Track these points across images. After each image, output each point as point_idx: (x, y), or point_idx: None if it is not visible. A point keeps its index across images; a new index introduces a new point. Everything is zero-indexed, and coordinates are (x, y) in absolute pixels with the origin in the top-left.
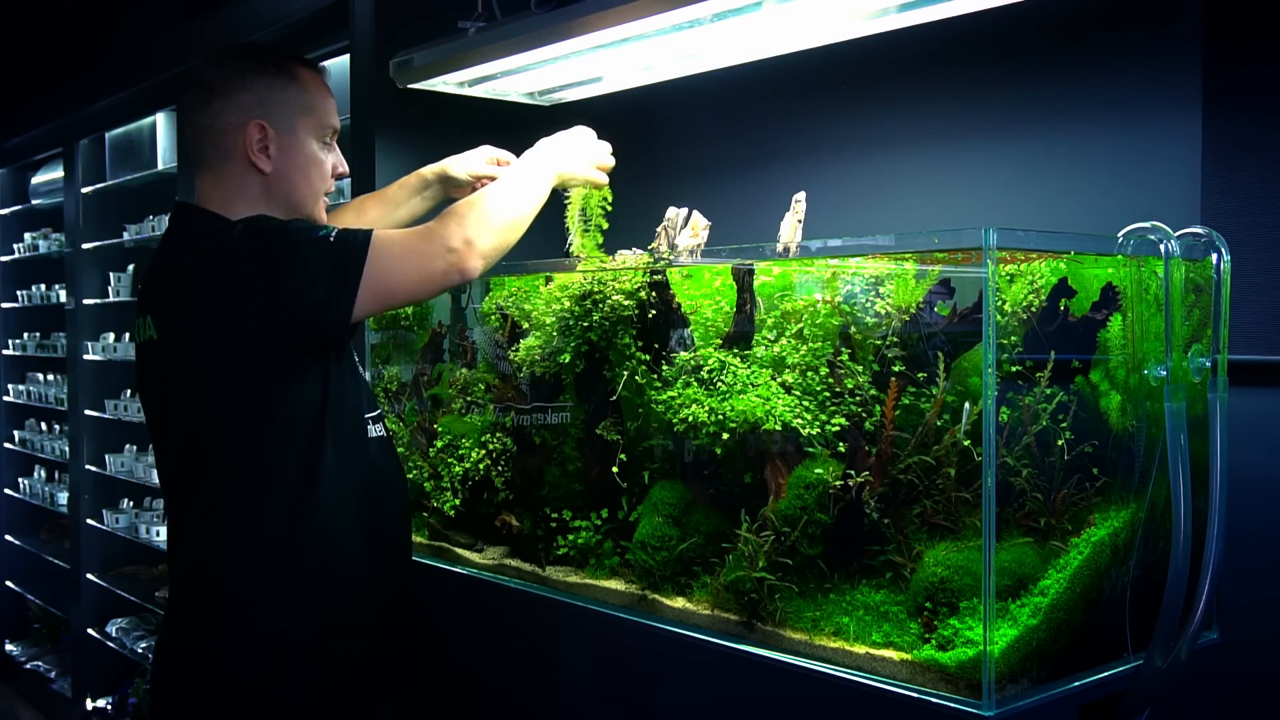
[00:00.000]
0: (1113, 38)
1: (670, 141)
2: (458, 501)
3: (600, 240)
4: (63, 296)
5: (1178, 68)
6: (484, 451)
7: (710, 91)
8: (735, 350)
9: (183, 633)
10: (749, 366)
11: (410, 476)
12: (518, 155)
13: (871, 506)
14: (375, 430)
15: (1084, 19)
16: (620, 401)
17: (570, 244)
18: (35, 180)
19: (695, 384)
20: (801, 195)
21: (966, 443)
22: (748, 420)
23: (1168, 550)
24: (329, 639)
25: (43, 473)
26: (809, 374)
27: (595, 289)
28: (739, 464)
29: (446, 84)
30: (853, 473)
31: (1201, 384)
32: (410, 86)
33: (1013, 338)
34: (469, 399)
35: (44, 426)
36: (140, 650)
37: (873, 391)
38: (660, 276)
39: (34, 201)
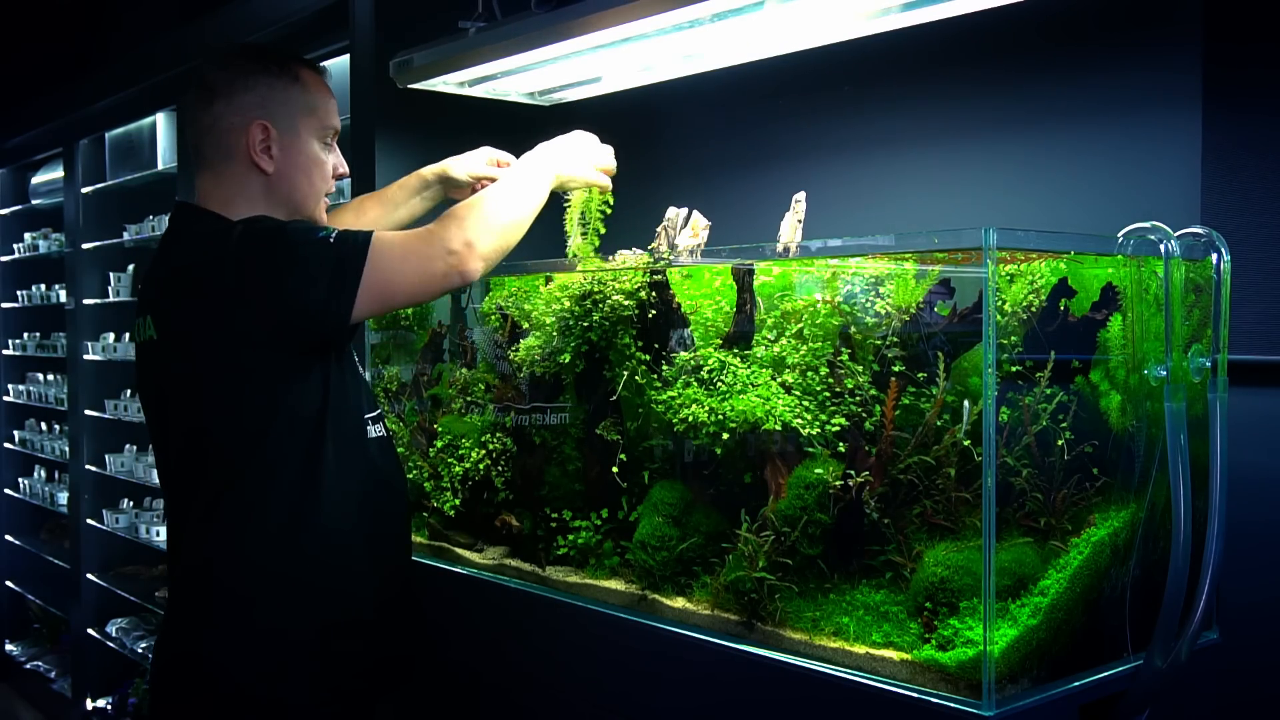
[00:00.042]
0: (1113, 38)
1: (670, 141)
2: (458, 501)
3: (597, 244)
4: (63, 296)
5: (1178, 68)
6: (484, 451)
7: (710, 91)
8: (735, 350)
9: (183, 632)
10: (749, 366)
11: (410, 476)
12: (518, 156)
13: (871, 506)
14: (375, 431)
15: (1084, 19)
16: (620, 401)
17: (569, 248)
18: (35, 180)
19: (695, 384)
20: (801, 195)
21: (966, 443)
22: (748, 420)
23: (1168, 550)
24: (329, 639)
25: (43, 473)
26: (809, 374)
27: (595, 289)
28: (739, 464)
29: (447, 84)
30: (853, 473)
31: (1201, 384)
32: (410, 87)
33: (1013, 338)
34: (469, 399)
35: (44, 426)
36: (140, 650)
37: (873, 391)
38: (660, 276)
39: (34, 201)
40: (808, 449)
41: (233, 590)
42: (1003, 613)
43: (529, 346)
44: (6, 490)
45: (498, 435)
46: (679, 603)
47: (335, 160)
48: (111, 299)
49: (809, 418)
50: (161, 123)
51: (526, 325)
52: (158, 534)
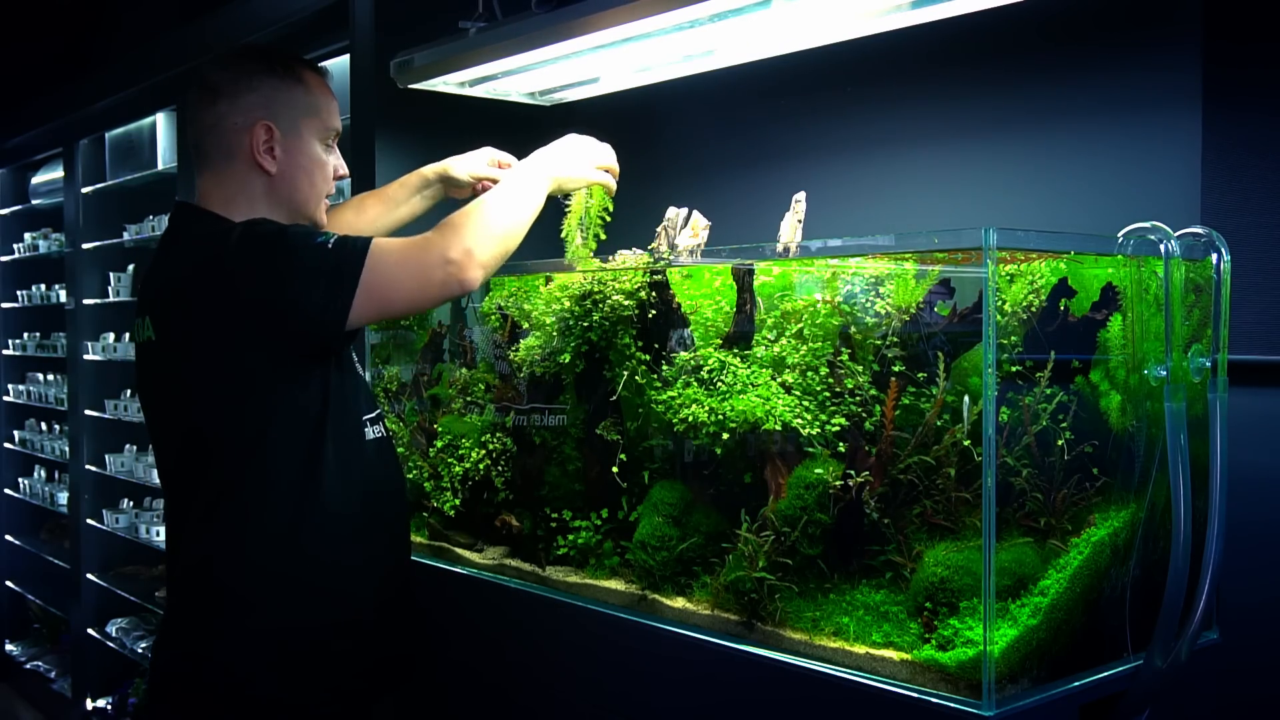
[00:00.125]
0: (1113, 38)
1: (670, 141)
2: (458, 501)
3: (594, 249)
4: (63, 296)
5: (1178, 68)
6: (484, 451)
7: (710, 91)
8: (735, 350)
9: (182, 632)
10: (749, 366)
11: (410, 476)
12: (519, 156)
13: (871, 506)
14: (374, 432)
15: (1084, 19)
16: (620, 401)
17: (568, 254)
18: (35, 180)
19: (695, 384)
20: (801, 195)
21: (966, 442)
22: (748, 420)
23: (1168, 550)
24: (328, 639)
25: (43, 473)
26: (809, 374)
27: (595, 289)
28: (739, 464)
29: (447, 84)
30: (853, 473)
31: (1201, 384)
32: (411, 87)
33: (1013, 338)
34: (469, 399)
35: (44, 426)
36: (140, 650)
37: (873, 391)
38: (660, 276)
39: (34, 201)
40: (808, 449)
41: (232, 590)
42: (1003, 613)
43: (529, 346)
44: (6, 490)
45: (498, 435)
46: (679, 603)
47: (336, 161)
48: (111, 299)
49: (809, 418)
50: (161, 123)
51: (526, 325)
52: (158, 534)
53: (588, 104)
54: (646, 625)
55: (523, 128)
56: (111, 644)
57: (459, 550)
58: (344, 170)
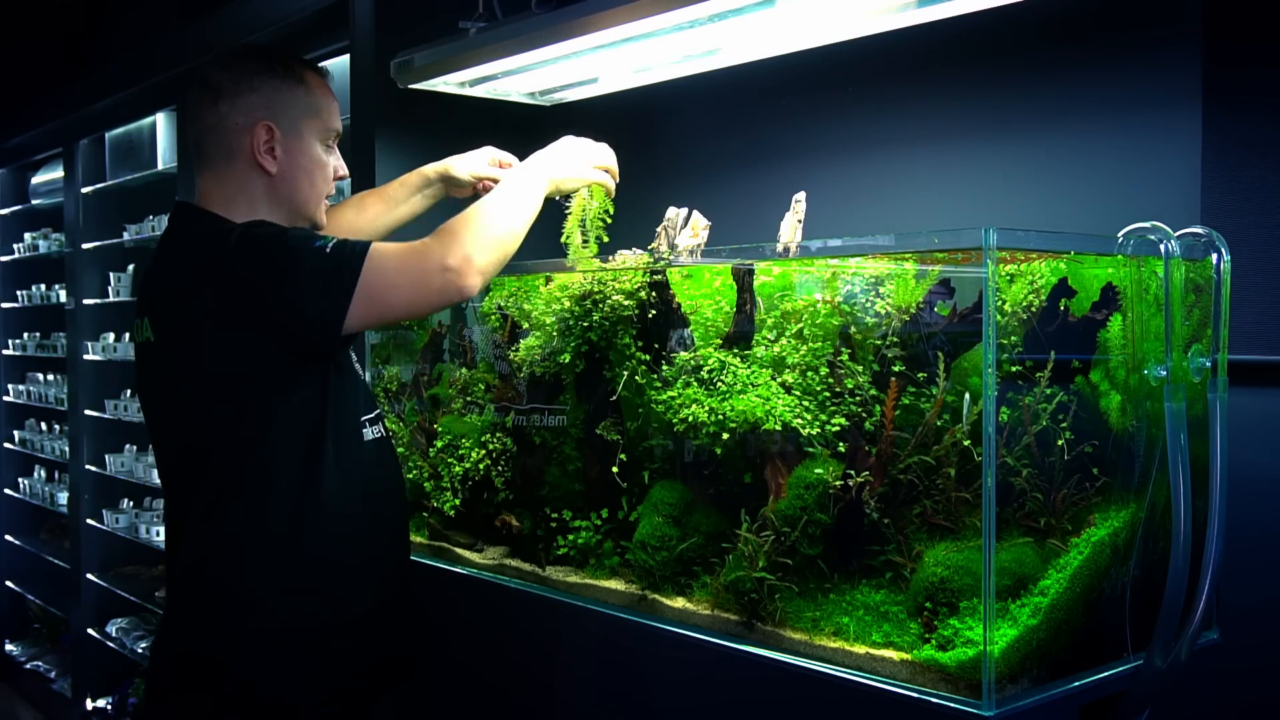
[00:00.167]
0: (1113, 38)
1: (670, 141)
2: (458, 501)
3: (596, 252)
4: (63, 296)
5: (1178, 68)
6: (484, 451)
7: (710, 91)
8: (735, 350)
9: (181, 632)
10: (749, 366)
11: (410, 476)
12: (520, 157)
13: (871, 506)
14: (373, 432)
15: (1084, 19)
16: (620, 401)
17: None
18: (35, 180)
19: (695, 384)
20: (801, 195)
21: (966, 443)
22: (748, 420)
23: (1168, 550)
24: (328, 638)
25: (43, 473)
26: (809, 374)
27: (595, 289)
28: (739, 464)
29: (447, 84)
30: (853, 473)
31: (1201, 384)
32: (411, 87)
33: (1013, 338)
34: (469, 399)
35: (44, 426)
36: (140, 650)
37: (873, 391)
38: (660, 276)
39: (34, 201)
40: (808, 449)
41: (232, 590)
42: (1003, 613)
43: (529, 346)
44: (6, 490)
45: (498, 435)
46: (679, 603)
47: (336, 162)
48: (111, 299)
49: (809, 418)
50: (161, 123)
51: (526, 325)
52: (158, 534)
53: (588, 104)
54: (646, 625)
55: (523, 128)
56: (111, 644)
57: (459, 550)
58: (344, 171)
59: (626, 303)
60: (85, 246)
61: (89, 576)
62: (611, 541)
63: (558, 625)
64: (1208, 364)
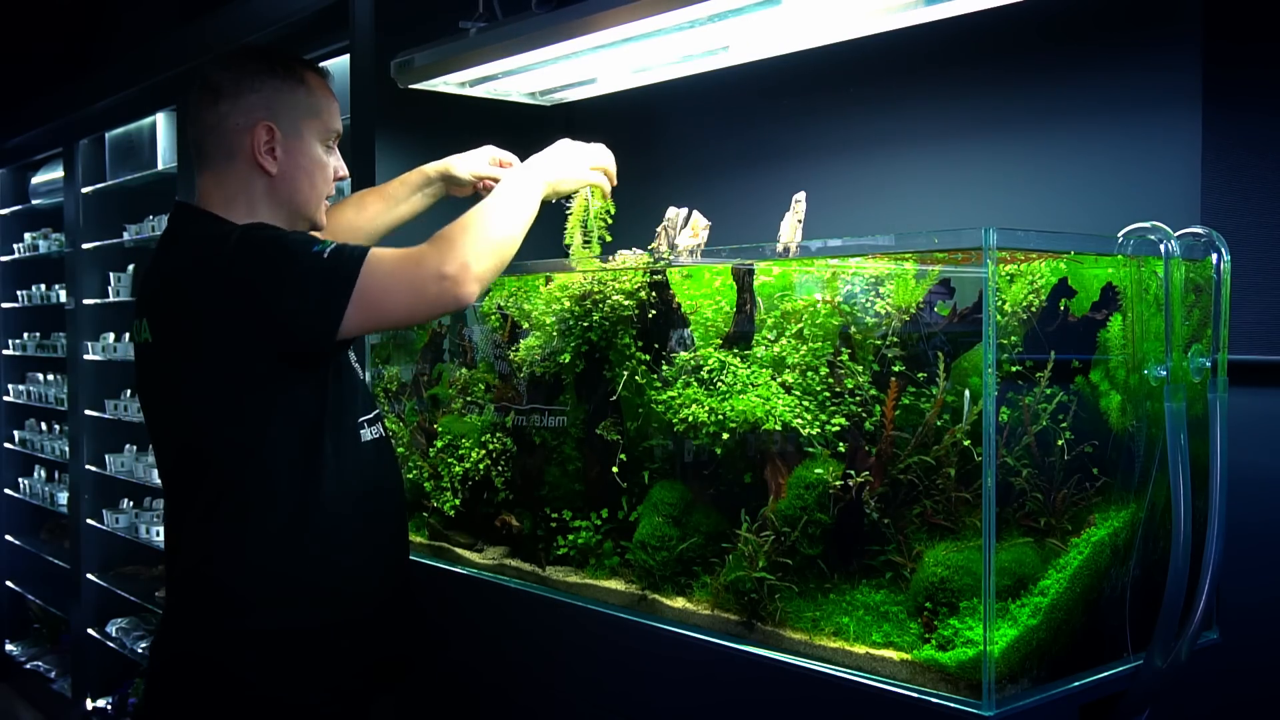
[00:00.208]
0: (1113, 38)
1: (670, 141)
2: (458, 501)
3: (599, 251)
4: (63, 296)
5: (1178, 68)
6: (484, 451)
7: (710, 91)
8: (735, 350)
9: (181, 632)
10: (749, 366)
11: (410, 476)
12: (520, 156)
13: (871, 506)
14: (371, 433)
15: (1084, 19)
16: (620, 401)
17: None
18: (35, 180)
19: (695, 384)
20: (801, 195)
21: (966, 443)
22: (748, 420)
23: (1168, 550)
24: (327, 639)
25: (43, 473)
26: (809, 374)
27: (595, 289)
28: (739, 464)
29: (448, 84)
30: (853, 473)
31: (1201, 384)
32: (411, 87)
33: (1013, 338)
34: (469, 399)
35: (44, 426)
36: (140, 650)
37: (873, 391)
38: (660, 276)
39: (34, 201)
40: (808, 449)
41: (231, 590)
42: (1003, 613)
43: (529, 346)
44: (6, 490)
45: (498, 435)
46: (679, 603)
47: (336, 163)
48: (111, 299)
49: (809, 418)
50: (161, 123)
51: (526, 325)
52: (157, 534)
53: (588, 104)
54: (646, 625)
55: (523, 128)
56: (111, 644)
57: (459, 550)
58: (344, 172)
59: (626, 303)
60: (85, 246)
61: (89, 576)
62: (611, 541)
63: (558, 625)
64: (1208, 364)
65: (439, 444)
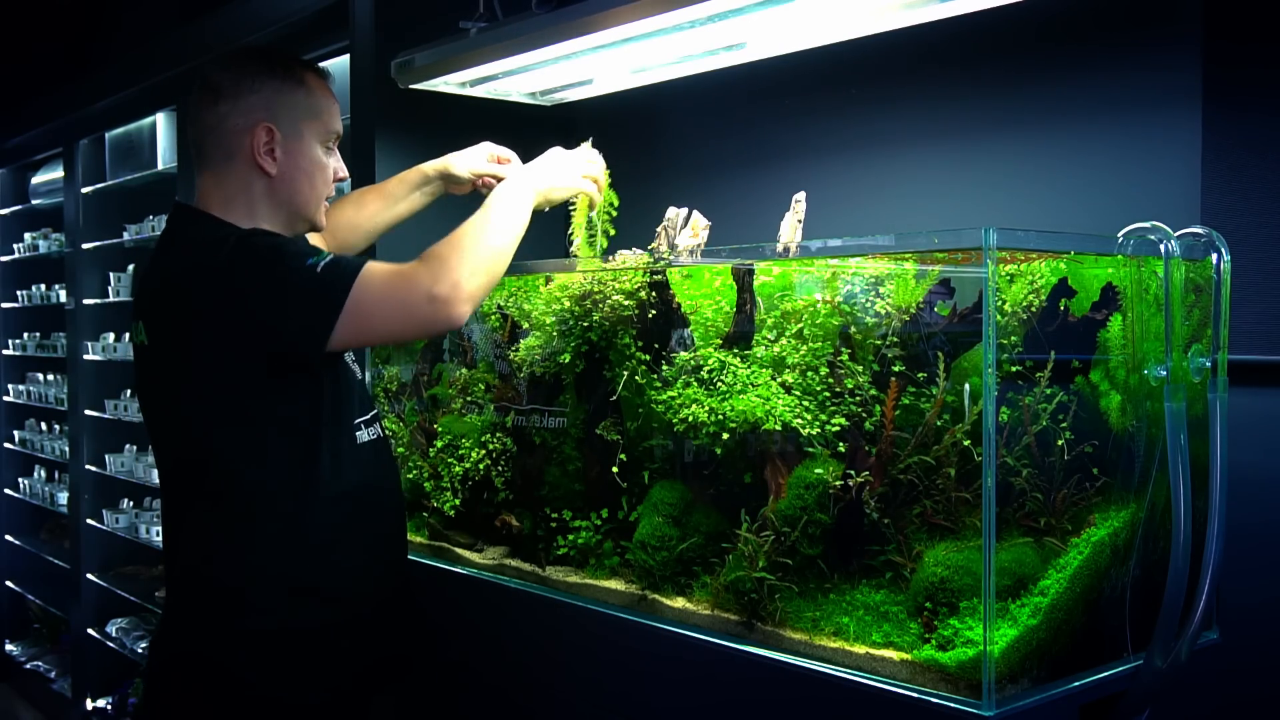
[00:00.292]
0: (1113, 38)
1: (670, 141)
2: (458, 501)
3: (606, 245)
4: (63, 296)
5: (1178, 68)
6: (484, 451)
7: (710, 91)
8: (735, 350)
9: (180, 632)
10: (749, 366)
11: (410, 476)
12: (519, 154)
13: (871, 506)
14: (369, 433)
15: (1084, 19)
16: (620, 401)
17: (573, 250)
18: (35, 180)
19: (695, 384)
20: (801, 195)
21: (966, 442)
22: (748, 420)
23: (1168, 550)
24: (325, 638)
25: (43, 473)
26: (809, 374)
27: (595, 289)
28: (739, 464)
29: (448, 84)
30: (853, 473)
31: (1201, 384)
32: (411, 87)
33: (1013, 338)
34: (469, 399)
35: (44, 426)
36: (140, 650)
37: (873, 391)
38: (660, 276)
39: (34, 201)
40: (808, 449)
41: (230, 589)
42: (1003, 613)
43: (529, 346)
44: (6, 490)
45: (498, 435)
46: (679, 603)
47: (336, 164)
48: (111, 299)
49: (809, 418)
50: (161, 123)
51: (526, 325)
52: (157, 534)
53: (588, 104)
54: (646, 625)
55: (523, 128)
56: (111, 644)
57: (459, 550)
58: (344, 173)
59: (626, 303)
60: (85, 246)
61: (89, 576)
62: (611, 541)
63: (558, 625)
64: (1208, 364)
65: (439, 444)
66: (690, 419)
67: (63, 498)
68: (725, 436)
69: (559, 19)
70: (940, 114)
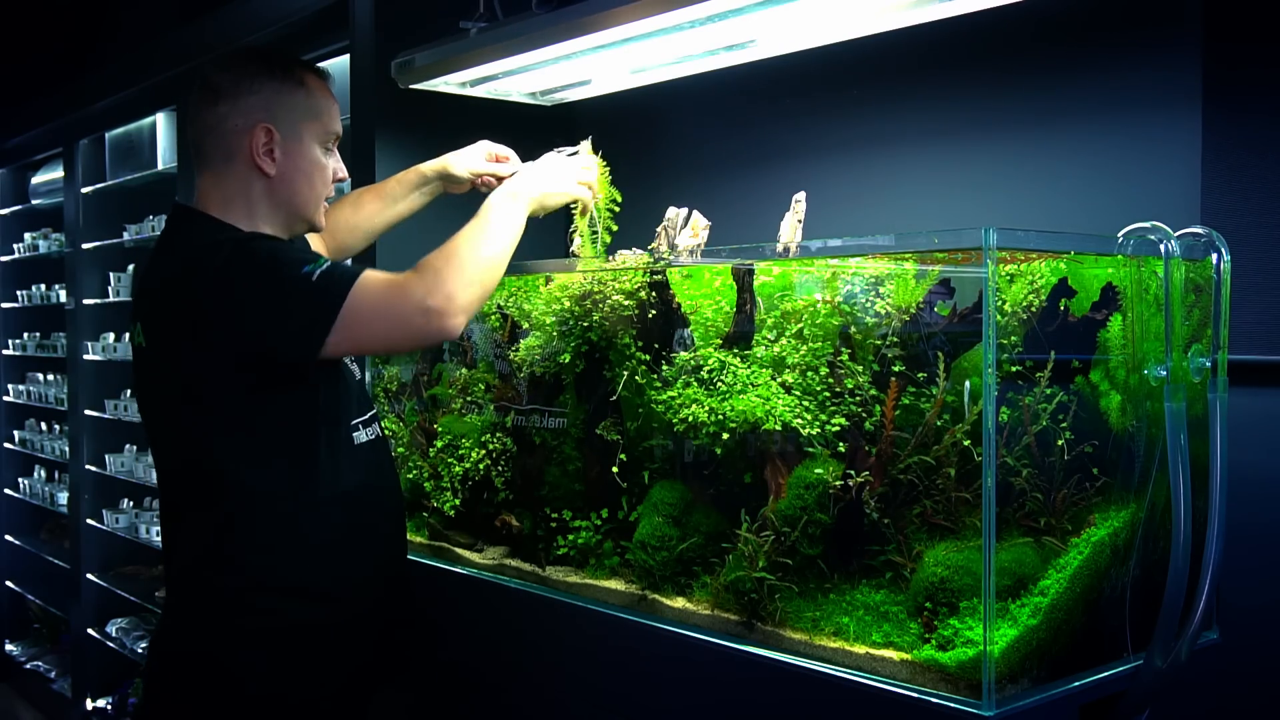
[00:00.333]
0: (1113, 38)
1: (670, 141)
2: (458, 501)
3: (609, 242)
4: (63, 296)
5: (1178, 68)
6: (484, 451)
7: (710, 91)
8: (735, 350)
9: (179, 631)
10: (749, 366)
11: (410, 476)
12: (518, 155)
13: (871, 506)
14: (366, 434)
15: (1084, 19)
16: (620, 401)
17: (576, 247)
18: (35, 180)
19: (695, 384)
20: (801, 195)
21: (966, 442)
22: (748, 420)
23: (1168, 550)
24: (325, 636)
25: (43, 473)
26: (809, 374)
27: (595, 289)
28: (739, 464)
29: (448, 84)
30: (853, 473)
31: (1201, 384)
32: (411, 87)
33: (1013, 338)
34: (469, 399)
35: (44, 426)
36: (140, 650)
37: (873, 391)
38: (660, 276)
39: (34, 201)
40: (808, 449)
41: (228, 590)
42: (1003, 613)
43: (529, 346)
44: (6, 490)
45: (498, 435)
46: (679, 603)
47: (335, 165)
48: (111, 299)
49: (809, 418)
50: (161, 123)
51: (526, 325)
52: (157, 534)
53: (588, 104)
54: (646, 625)
55: (523, 128)
56: (111, 644)
57: (459, 550)
58: (343, 173)
59: (626, 303)
60: (85, 246)
61: (89, 576)
62: (611, 541)
63: (558, 625)
64: (1208, 364)
65: (439, 444)
66: (690, 419)
67: (63, 498)
68: (725, 436)
69: (559, 19)
70: (940, 114)
